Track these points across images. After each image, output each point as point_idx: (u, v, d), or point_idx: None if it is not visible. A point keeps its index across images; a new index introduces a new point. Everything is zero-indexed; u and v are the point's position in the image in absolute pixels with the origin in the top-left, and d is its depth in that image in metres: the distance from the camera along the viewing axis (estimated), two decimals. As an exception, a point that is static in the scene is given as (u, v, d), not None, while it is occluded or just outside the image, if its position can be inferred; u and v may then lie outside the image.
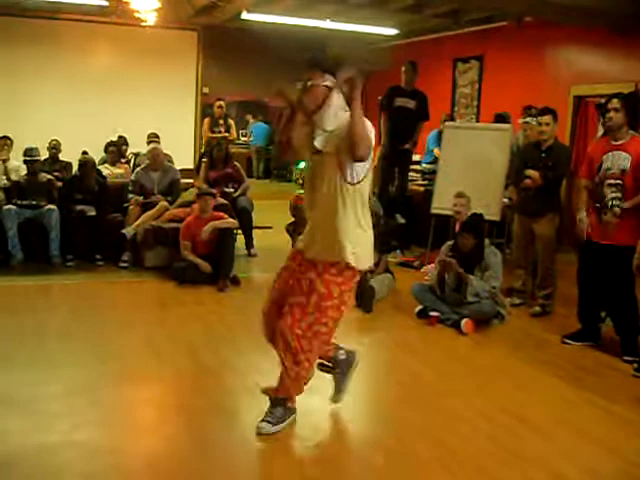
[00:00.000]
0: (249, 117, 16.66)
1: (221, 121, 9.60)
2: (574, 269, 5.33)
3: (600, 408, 4.10)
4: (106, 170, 8.30)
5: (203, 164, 8.18)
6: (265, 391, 3.66)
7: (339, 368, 3.93)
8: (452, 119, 10.38)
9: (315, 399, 4.00)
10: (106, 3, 9.60)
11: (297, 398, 3.72)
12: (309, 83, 3.45)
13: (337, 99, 3.43)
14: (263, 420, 3.57)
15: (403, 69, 8.48)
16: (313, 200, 3.48)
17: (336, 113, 3.40)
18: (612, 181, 4.87)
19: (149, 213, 7.07)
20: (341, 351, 3.92)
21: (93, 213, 7.05)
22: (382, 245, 6.56)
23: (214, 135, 9.34)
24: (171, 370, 4.45)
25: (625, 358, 4.93)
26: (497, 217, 7.09)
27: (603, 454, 3.53)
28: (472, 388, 4.32)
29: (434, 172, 7.97)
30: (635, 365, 4.76)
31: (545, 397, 4.25)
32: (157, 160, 7.51)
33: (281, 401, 3.62)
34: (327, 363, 3.91)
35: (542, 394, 4.30)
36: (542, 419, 3.88)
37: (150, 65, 12.02)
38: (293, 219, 6.84)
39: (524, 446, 3.55)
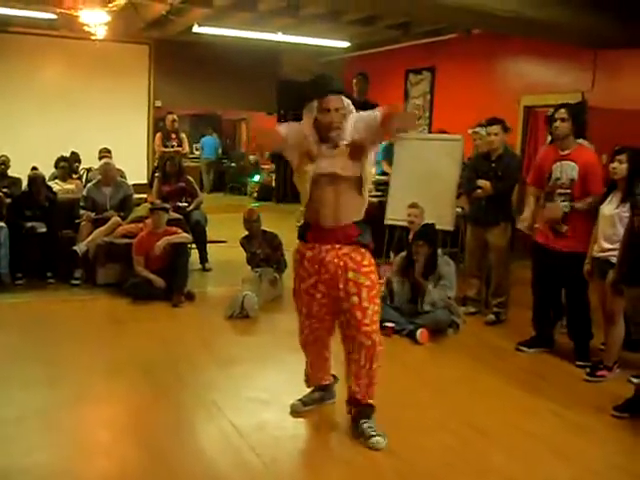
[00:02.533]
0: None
1: (173, 135, 9.51)
2: (527, 276, 5.40)
3: (556, 415, 4.15)
4: (57, 186, 8.15)
5: (156, 179, 8.11)
6: (351, 410, 3.78)
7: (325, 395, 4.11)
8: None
9: (271, 412, 3.98)
10: (55, 17, 9.46)
11: (254, 413, 3.69)
12: (341, 111, 3.49)
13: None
14: (373, 436, 3.59)
15: (354, 81, 8.55)
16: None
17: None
18: (562, 191, 4.96)
19: (101, 229, 6.96)
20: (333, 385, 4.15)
21: (43, 230, 6.89)
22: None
23: (167, 150, 9.25)
24: (126, 389, 4.37)
25: (578, 363, 5.01)
26: (450, 227, 7.15)
27: (560, 462, 3.56)
28: (428, 398, 4.33)
29: (386, 184, 8.02)
30: (587, 370, 4.84)
31: (501, 405, 4.28)
32: (109, 175, 7.42)
33: (372, 408, 3.72)
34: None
35: (498, 402, 4.33)
36: (499, 428, 3.90)
37: (101, 79, 11.87)
38: (247, 232, 6.81)
39: (483, 456, 3.57)
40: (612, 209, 4.54)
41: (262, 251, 6.74)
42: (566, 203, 4.92)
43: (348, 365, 3.71)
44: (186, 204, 7.80)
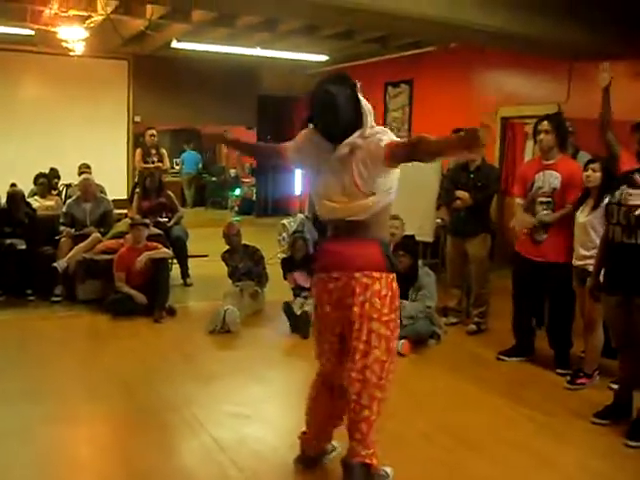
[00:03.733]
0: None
1: (153, 150, 9.48)
2: (507, 285, 5.44)
3: (537, 423, 4.18)
4: (36, 202, 8.11)
5: (136, 194, 8.10)
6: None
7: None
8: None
9: (253, 427, 3.98)
10: (32, 32, 9.43)
11: (235, 428, 3.67)
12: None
13: None
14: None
15: None
16: None
17: None
18: (543, 199, 5.03)
19: (81, 245, 6.93)
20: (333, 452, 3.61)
21: (23, 246, 6.84)
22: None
23: (147, 165, 9.23)
24: (107, 407, 4.33)
25: (558, 371, 5.05)
26: (430, 238, 7.19)
27: (543, 469, 3.59)
28: (411, 409, 4.34)
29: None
30: (568, 377, 4.87)
31: (484, 414, 4.30)
32: (88, 191, 7.40)
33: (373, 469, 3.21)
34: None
35: (481, 412, 4.35)
36: (482, 437, 3.92)
37: (80, 95, 11.82)
38: (228, 247, 6.82)
39: (466, 465, 3.59)
40: (585, 217, 4.61)
41: (243, 265, 6.74)
42: (548, 212, 4.98)
43: None
44: (166, 219, 7.78)
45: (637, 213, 3.55)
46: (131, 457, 3.63)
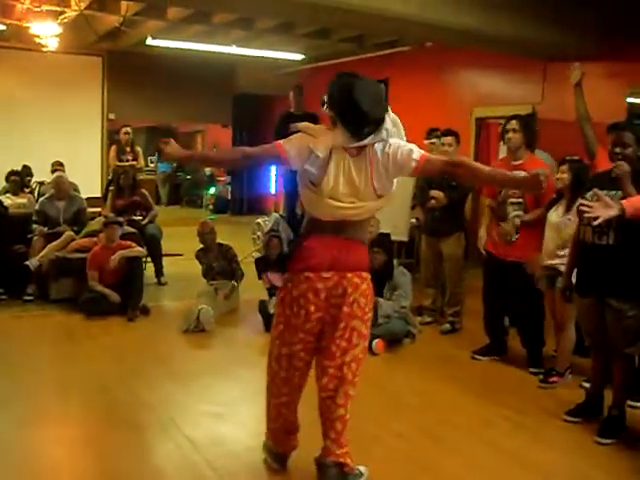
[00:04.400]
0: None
1: (128, 148, 9.41)
2: (481, 285, 5.47)
3: (510, 421, 4.20)
4: (8, 200, 8.01)
5: (110, 192, 8.04)
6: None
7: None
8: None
9: (228, 426, 3.97)
10: (4, 27, 9.32)
11: (210, 427, 3.64)
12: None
13: None
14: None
15: (291, 94, 8.58)
16: None
17: None
18: (514, 200, 5.06)
19: (54, 243, 6.86)
20: None
21: (-5, 245, 6.79)
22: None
23: (121, 164, 9.15)
24: (81, 407, 4.29)
25: (531, 370, 5.09)
26: (405, 237, 7.21)
27: (517, 468, 3.61)
28: (385, 408, 4.35)
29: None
30: (540, 376, 4.92)
31: (458, 413, 4.32)
32: (62, 189, 7.32)
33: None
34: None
35: (454, 410, 4.37)
36: (456, 436, 3.94)
37: (53, 91, 11.70)
38: (202, 246, 6.79)
39: (440, 464, 3.60)
40: (558, 217, 4.66)
41: (218, 264, 6.72)
42: (519, 212, 5.02)
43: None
44: (140, 217, 7.73)
45: (595, 224, 3.57)
46: (105, 458, 3.60)
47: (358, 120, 2.93)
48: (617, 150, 3.86)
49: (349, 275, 3.08)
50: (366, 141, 2.97)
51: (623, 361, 3.95)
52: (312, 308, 3.11)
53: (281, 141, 3.05)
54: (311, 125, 3.11)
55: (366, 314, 3.16)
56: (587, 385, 4.44)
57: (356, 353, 3.15)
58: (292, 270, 3.17)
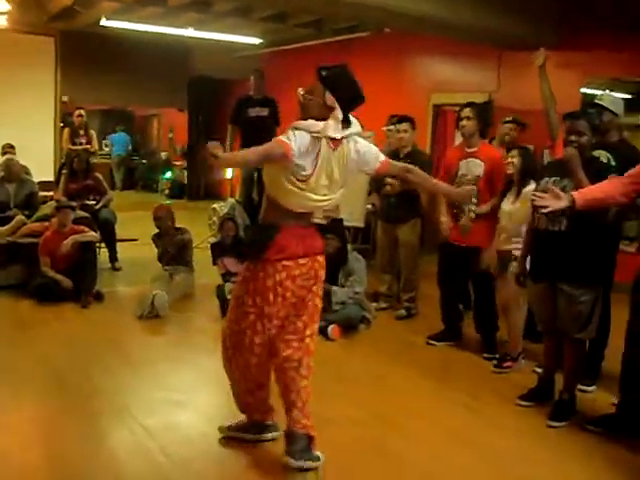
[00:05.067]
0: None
1: (81, 131, 9.25)
2: (436, 270, 5.51)
3: (464, 405, 4.26)
4: (-44, 183, 7.81)
5: (63, 176, 7.88)
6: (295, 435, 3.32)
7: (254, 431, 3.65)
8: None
9: (183, 413, 3.93)
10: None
11: (166, 414, 3.61)
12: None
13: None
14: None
15: (252, 78, 8.54)
16: None
17: None
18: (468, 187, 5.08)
19: (4, 228, 6.68)
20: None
21: (-59, 230, 6.60)
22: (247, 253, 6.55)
23: (75, 147, 8.98)
24: (31, 395, 4.19)
25: (485, 355, 5.15)
26: (361, 223, 7.22)
27: (468, 450, 3.65)
28: (341, 393, 4.36)
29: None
30: (494, 361, 4.98)
31: (413, 398, 4.36)
32: (12, 172, 7.16)
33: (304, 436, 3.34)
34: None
35: (410, 395, 4.40)
36: (410, 420, 3.97)
37: (3, 72, 11.36)
38: (158, 230, 6.71)
39: (393, 447, 3.63)
40: (509, 204, 4.71)
41: (173, 248, 6.64)
42: (472, 199, 5.05)
43: None
44: (94, 202, 7.60)
45: (543, 212, 3.65)
46: (56, 447, 3.53)
47: (356, 103, 3.21)
48: (572, 138, 3.90)
49: (319, 259, 3.30)
50: (351, 130, 3.20)
51: (574, 346, 4.02)
52: (289, 294, 3.21)
53: (284, 138, 3.09)
54: (313, 122, 3.14)
55: (320, 290, 3.39)
56: (539, 370, 4.51)
57: (315, 328, 3.40)
58: (266, 260, 3.17)
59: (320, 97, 3.16)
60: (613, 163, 4.29)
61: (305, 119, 3.16)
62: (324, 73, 3.20)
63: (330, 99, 3.14)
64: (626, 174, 3.69)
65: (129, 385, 4.38)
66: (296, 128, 3.12)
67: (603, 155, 4.32)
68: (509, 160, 4.70)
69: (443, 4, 6.72)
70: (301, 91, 3.23)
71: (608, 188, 3.64)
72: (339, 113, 3.14)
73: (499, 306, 4.95)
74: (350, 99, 3.19)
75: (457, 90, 8.94)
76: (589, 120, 3.92)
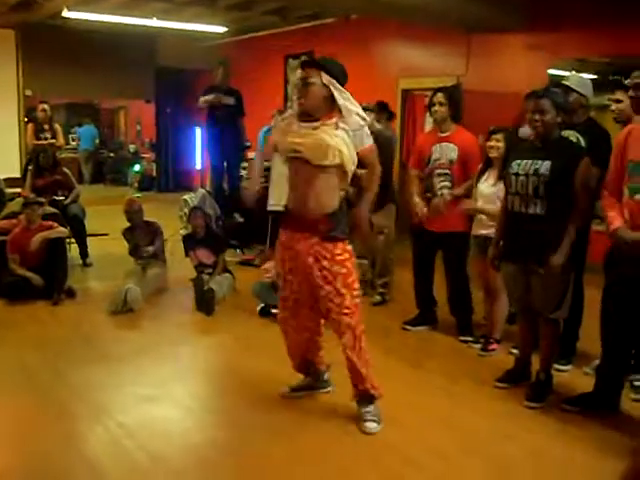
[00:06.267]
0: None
1: (46, 126, 9.08)
2: (410, 256, 5.51)
3: (442, 389, 4.28)
4: None
5: (29, 172, 7.74)
6: (356, 395, 3.75)
7: (315, 382, 4.12)
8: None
9: (160, 408, 3.90)
10: None
11: (142, 410, 3.57)
12: (311, 84, 3.47)
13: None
14: (366, 421, 3.65)
15: (220, 69, 8.60)
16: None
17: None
18: (441, 171, 5.09)
19: (-29, 227, 6.57)
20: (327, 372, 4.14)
21: None
22: (220, 244, 6.51)
23: (40, 142, 8.83)
24: (4, 394, 4.12)
25: (461, 338, 5.18)
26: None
27: (448, 434, 3.66)
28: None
29: (269, 169, 7.98)
30: (472, 345, 5.02)
31: (390, 383, 4.31)
32: (-24, 169, 7.02)
33: (371, 396, 3.70)
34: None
35: (387, 381, 4.34)
36: (389, 405, 3.94)
37: (-39, 67, 11.18)
38: (129, 224, 6.62)
39: (375, 435, 3.62)
40: (490, 187, 4.70)
41: (145, 242, 6.57)
42: (446, 184, 5.05)
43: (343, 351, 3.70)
44: (62, 197, 7.49)
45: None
46: (30, 447, 3.47)
47: (346, 76, 3.60)
48: (536, 117, 3.89)
49: None
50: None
51: (549, 326, 4.05)
52: None
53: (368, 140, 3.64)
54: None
55: None
56: (516, 351, 4.53)
57: None
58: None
59: (318, 78, 3.43)
60: (582, 143, 4.32)
61: (309, 108, 3.47)
62: (310, 59, 3.60)
63: (326, 78, 3.43)
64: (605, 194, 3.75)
65: (104, 382, 4.31)
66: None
67: (572, 135, 4.35)
68: (493, 144, 4.69)
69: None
70: (300, 76, 3.50)
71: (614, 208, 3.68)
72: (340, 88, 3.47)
73: (484, 289, 4.96)
74: (342, 73, 3.53)
75: (425, 75, 8.95)
76: (552, 98, 3.92)
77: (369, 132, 3.67)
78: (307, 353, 4.00)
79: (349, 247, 3.62)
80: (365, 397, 3.72)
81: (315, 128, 3.47)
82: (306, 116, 3.51)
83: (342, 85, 3.51)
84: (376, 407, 3.72)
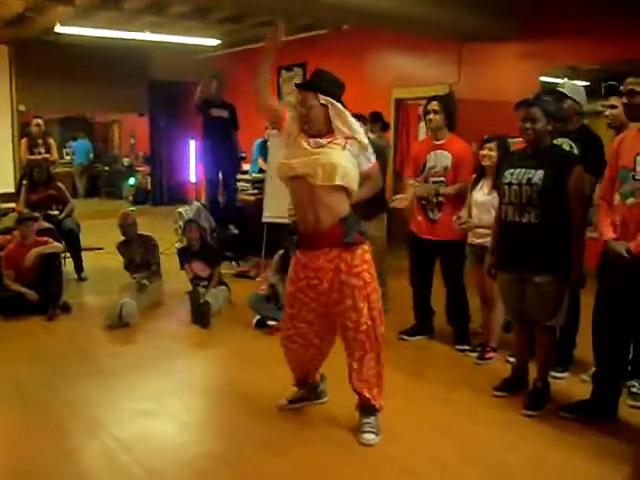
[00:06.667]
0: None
1: (40, 141, 9.07)
2: (403, 265, 5.50)
3: (440, 398, 4.27)
4: None
5: (23, 187, 7.73)
6: (358, 406, 3.75)
7: (311, 393, 4.10)
8: (277, 129, 10.47)
9: (157, 423, 3.88)
10: None
11: (138, 425, 3.55)
12: (310, 107, 3.51)
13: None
14: (365, 432, 3.64)
15: (214, 83, 8.66)
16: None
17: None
18: (436, 179, 5.11)
19: (-35, 243, 6.55)
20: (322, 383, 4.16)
21: None
22: (215, 257, 6.50)
23: (34, 157, 8.82)
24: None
25: (457, 347, 5.16)
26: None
27: (447, 443, 3.65)
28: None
29: (263, 181, 8.00)
30: (469, 353, 5.02)
31: (388, 393, 4.30)
32: (-30, 185, 7.01)
33: (373, 409, 3.71)
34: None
35: (385, 390, 4.36)
36: (387, 415, 3.92)
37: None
38: (123, 237, 6.61)
39: (374, 446, 3.61)
40: (484, 195, 4.70)
41: (139, 256, 6.55)
42: (436, 186, 5.08)
43: (349, 365, 3.70)
44: (57, 212, 7.48)
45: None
46: (27, 462, 3.45)
47: (342, 90, 3.66)
48: (527, 125, 3.90)
49: None
50: None
51: (545, 334, 4.04)
52: None
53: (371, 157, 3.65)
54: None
55: None
56: (512, 360, 4.52)
57: None
58: None
59: (315, 102, 3.48)
60: (575, 151, 4.33)
61: (314, 131, 3.52)
62: (305, 82, 3.65)
63: (323, 98, 3.47)
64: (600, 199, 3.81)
65: (100, 397, 4.29)
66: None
67: (565, 143, 4.36)
68: (485, 152, 4.69)
69: (400, 0, 6.72)
70: (297, 106, 3.56)
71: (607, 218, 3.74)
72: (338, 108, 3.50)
73: (480, 298, 4.95)
74: (337, 86, 3.59)
75: (418, 84, 8.97)
76: (543, 107, 3.93)
77: (371, 150, 3.66)
78: (309, 368, 4.01)
79: (368, 255, 3.62)
80: (367, 408, 3.71)
81: (323, 146, 3.49)
82: (314, 135, 3.55)
83: (340, 95, 3.55)
84: (376, 419, 3.71)
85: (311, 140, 3.52)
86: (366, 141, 3.58)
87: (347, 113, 3.54)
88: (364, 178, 3.63)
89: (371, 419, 3.69)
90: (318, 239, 3.54)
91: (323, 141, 3.50)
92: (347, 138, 3.51)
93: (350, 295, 3.53)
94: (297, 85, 3.67)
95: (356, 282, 3.53)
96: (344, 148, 3.48)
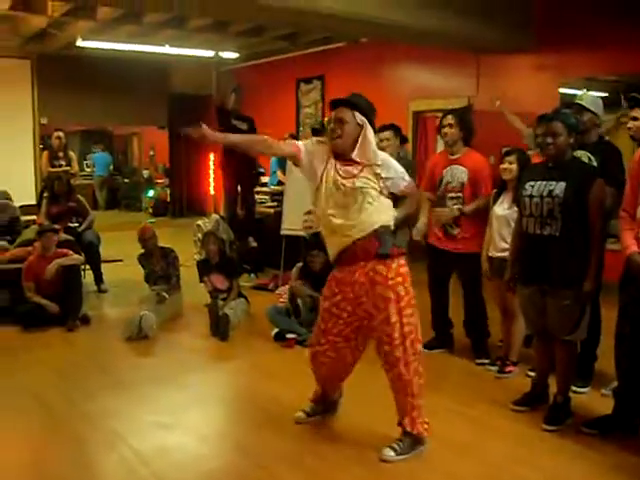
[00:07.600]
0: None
1: (61, 153, 9.15)
2: (424, 278, 5.47)
3: (457, 413, 4.23)
4: (-64, 211, 7.72)
5: (44, 199, 7.81)
6: (400, 424, 3.68)
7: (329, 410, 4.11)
8: (297, 139, 10.51)
9: (174, 436, 3.88)
10: None
11: (156, 438, 3.55)
12: (345, 123, 3.55)
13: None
14: (389, 447, 3.58)
15: (232, 95, 8.65)
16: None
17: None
18: (453, 194, 5.08)
19: (-14, 255, 6.61)
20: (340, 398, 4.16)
21: None
22: (234, 269, 6.51)
23: (54, 170, 8.90)
24: (19, 421, 4.12)
25: (477, 361, 5.13)
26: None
27: (461, 458, 3.62)
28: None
29: (282, 193, 8.01)
30: (488, 367, 4.97)
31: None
32: (-9, 197, 7.08)
33: (411, 435, 3.63)
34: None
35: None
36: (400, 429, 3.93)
37: (-20, 96, 11.34)
38: (143, 250, 6.64)
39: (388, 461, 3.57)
40: (505, 209, 4.67)
41: (160, 268, 6.58)
42: (458, 206, 5.04)
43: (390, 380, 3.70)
44: (77, 224, 7.54)
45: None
46: (45, 476, 3.47)
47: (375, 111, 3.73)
48: (549, 140, 3.88)
49: None
50: None
51: (565, 348, 4.00)
52: None
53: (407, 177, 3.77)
54: None
55: None
56: (533, 374, 4.48)
57: None
58: None
59: (352, 119, 3.52)
60: (594, 163, 4.30)
61: (343, 147, 3.54)
62: (344, 98, 3.61)
63: (360, 117, 3.53)
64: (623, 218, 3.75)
65: (118, 409, 4.31)
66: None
67: (584, 155, 4.33)
68: (506, 166, 4.67)
69: (417, 13, 6.72)
70: (331, 124, 3.58)
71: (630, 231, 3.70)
72: (369, 131, 3.56)
73: (501, 311, 4.91)
74: (371, 110, 3.64)
75: (436, 96, 8.97)
76: (563, 120, 3.91)
77: (402, 170, 3.72)
78: (337, 385, 4.05)
79: (404, 269, 3.59)
80: (403, 430, 3.66)
81: (354, 176, 3.52)
82: (340, 154, 3.57)
83: (373, 120, 3.61)
84: (410, 443, 3.62)
85: (341, 169, 3.54)
86: (378, 171, 3.58)
87: (373, 142, 3.58)
88: (401, 197, 3.70)
89: (405, 439, 3.63)
90: (352, 254, 3.54)
91: (354, 170, 3.52)
92: (363, 165, 3.53)
93: (384, 309, 3.51)
94: (336, 100, 3.65)
95: (390, 295, 3.50)
96: (378, 177, 3.56)
